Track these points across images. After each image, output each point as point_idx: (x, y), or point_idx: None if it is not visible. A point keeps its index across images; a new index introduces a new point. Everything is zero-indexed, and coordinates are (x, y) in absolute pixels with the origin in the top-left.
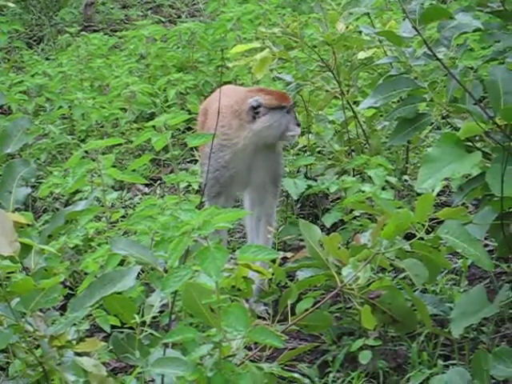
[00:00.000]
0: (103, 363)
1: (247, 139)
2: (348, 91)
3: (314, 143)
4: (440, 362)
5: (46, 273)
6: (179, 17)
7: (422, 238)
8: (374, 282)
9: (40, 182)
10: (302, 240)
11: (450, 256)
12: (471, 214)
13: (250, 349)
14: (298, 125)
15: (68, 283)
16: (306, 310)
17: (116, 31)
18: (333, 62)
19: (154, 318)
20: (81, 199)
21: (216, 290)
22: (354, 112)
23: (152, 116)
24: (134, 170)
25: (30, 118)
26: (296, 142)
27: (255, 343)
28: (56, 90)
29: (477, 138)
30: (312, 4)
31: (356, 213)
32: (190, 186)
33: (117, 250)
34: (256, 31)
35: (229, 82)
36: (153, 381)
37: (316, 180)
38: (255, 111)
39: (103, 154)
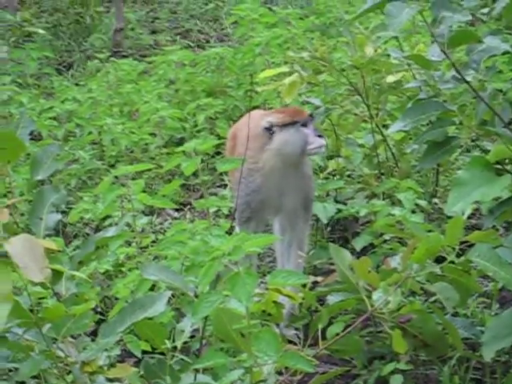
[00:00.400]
0: None
1: (270, 160)
2: (377, 115)
3: (344, 167)
4: None
5: (77, 299)
6: (208, 42)
7: (452, 262)
8: (404, 305)
9: (70, 208)
10: (332, 264)
11: (481, 279)
12: (502, 237)
13: (280, 374)
14: (320, 136)
15: (99, 309)
16: (337, 334)
17: (145, 56)
18: (361, 86)
19: (184, 343)
20: (111, 224)
21: (246, 315)
22: (383, 135)
23: (181, 141)
24: (164, 195)
25: (60, 143)
26: (326, 166)
27: (286, 368)
28: (86, 115)
29: (506, 160)
30: (340, 28)
31: (386, 236)
32: (219, 210)
33: (147, 275)
34: (284, 55)
35: (258, 107)
36: None
37: (346, 204)
38: (270, 132)
39: (133, 179)
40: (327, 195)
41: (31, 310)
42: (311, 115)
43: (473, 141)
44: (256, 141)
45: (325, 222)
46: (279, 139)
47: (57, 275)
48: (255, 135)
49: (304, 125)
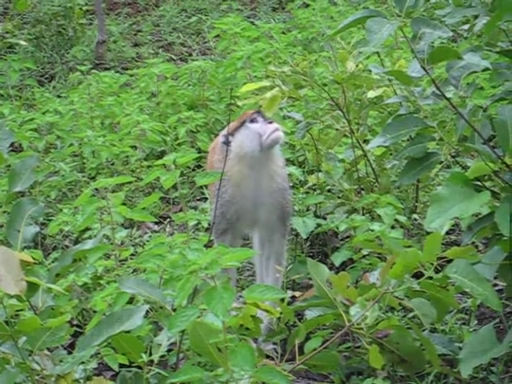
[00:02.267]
0: None
1: (235, 166)
2: (358, 130)
3: (324, 182)
4: None
5: (53, 312)
6: (190, 55)
7: (430, 278)
8: (382, 321)
9: (50, 220)
10: (310, 279)
11: (459, 295)
12: (480, 254)
13: None
14: (271, 122)
15: (76, 321)
16: (315, 349)
17: (127, 69)
18: (342, 101)
19: (161, 356)
20: (90, 237)
21: (223, 330)
22: (363, 151)
23: (162, 154)
24: (143, 208)
25: (41, 155)
26: (306, 180)
27: (262, 383)
28: (66, 127)
29: (486, 177)
30: (322, 43)
31: (365, 252)
32: (199, 223)
33: (125, 288)
34: (266, 70)
35: None
36: None
37: (325, 218)
38: (228, 144)
39: (113, 191)
40: (307, 210)
41: (7, 323)
42: (258, 111)
43: (453, 157)
44: (222, 154)
45: (304, 237)
46: (235, 144)
47: (33, 288)
48: (220, 149)
49: (253, 121)
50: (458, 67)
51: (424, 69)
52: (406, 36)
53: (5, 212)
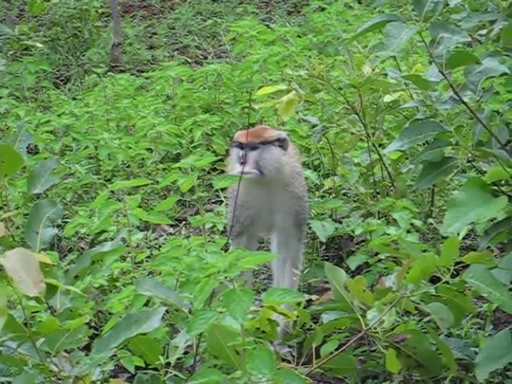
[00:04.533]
0: None
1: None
2: (374, 134)
3: (340, 185)
4: None
5: (72, 313)
6: (205, 58)
7: (447, 282)
8: (398, 325)
9: (66, 222)
10: (327, 282)
11: (475, 300)
12: (497, 258)
13: None
14: (243, 163)
15: (93, 323)
16: (331, 352)
17: (143, 72)
18: (359, 105)
19: (178, 359)
20: (106, 239)
21: (241, 333)
22: (379, 155)
23: (178, 156)
24: (159, 211)
25: (57, 157)
26: (321, 184)
27: None
28: (82, 129)
29: (503, 182)
30: (338, 46)
31: (381, 256)
32: (214, 227)
33: (142, 290)
34: (282, 73)
35: (255, 124)
36: None
37: (341, 222)
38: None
39: (129, 194)
40: (322, 214)
41: (25, 324)
42: (248, 142)
43: (469, 162)
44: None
45: (323, 240)
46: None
47: (51, 289)
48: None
49: (240, 147)
50: (476, 72)
51: (442, 73)
52: (424, 41)
53: (22, 214)
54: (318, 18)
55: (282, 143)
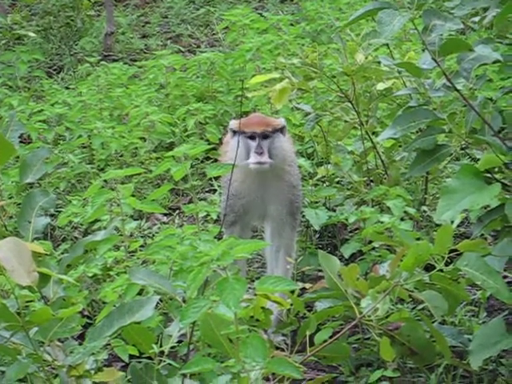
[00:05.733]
0: None
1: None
2: (367, 122)
3: (333, 174)
4: None
5: (65, 302)
6: (198, 47)
7: (441, 270)
8: (392, 313)
9: (59, 211)
10: (320, 270)
11: (469, 288)
12: (490, 246)
13: (268, 379)
14: (261, 153)
15: (86, 313)
16: (325, 340)
17: (136, 61)
18: (352, 93)
19: (172, 348)
20: (99, 228)
21: (234, 321)
22: (372, 143)
23: (171, 145)
24: (153, 200)
25: (50, 147)
26: (315, 172)
27: (273, 374)
28: (75, 119)
29: (496, 169)
30: (331, 35)
31: (375, 244)
32: (208, 215)
33: (135, 279)
34: (275, 61)
35: (248, 112)
36: None
37: (335, 210)
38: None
39: (122, 183)
40: (316, 202)
41: (18, 314)
42: (262, 132)
43: (462, 149)
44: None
45: (317, 228)
46: (230, 145)
47: (44, 278)
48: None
49: (252, 137)
50: (469, 59)
51: (435, 61)
52: (417, 28)
53: (14, 203)
54: (311, 6)
55: (283, 130)
